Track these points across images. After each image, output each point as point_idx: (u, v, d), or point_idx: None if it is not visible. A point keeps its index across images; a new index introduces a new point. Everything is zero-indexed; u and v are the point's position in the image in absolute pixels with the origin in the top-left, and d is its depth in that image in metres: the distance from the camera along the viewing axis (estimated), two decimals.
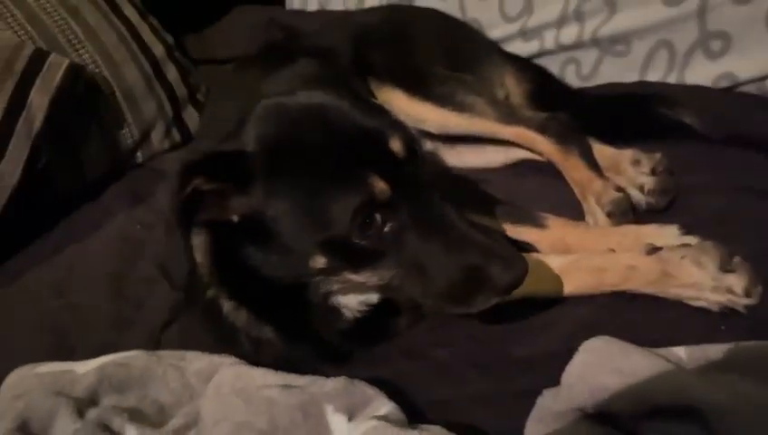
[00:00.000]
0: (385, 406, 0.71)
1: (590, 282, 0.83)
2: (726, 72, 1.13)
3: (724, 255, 0.78)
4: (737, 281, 0.76)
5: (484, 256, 0.70)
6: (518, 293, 0.79)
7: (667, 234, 0.87)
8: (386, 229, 0.70)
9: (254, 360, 0.80)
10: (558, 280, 0.85)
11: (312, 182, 0.70)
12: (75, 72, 1.30)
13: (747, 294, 0.75)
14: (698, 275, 0.77)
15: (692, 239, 0.84)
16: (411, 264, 0.72)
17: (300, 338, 0.82)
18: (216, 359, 0.83)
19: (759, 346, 0.68)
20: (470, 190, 1.06)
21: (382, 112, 0.81)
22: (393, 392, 0.74)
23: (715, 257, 0.77)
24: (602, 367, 0.65)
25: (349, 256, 0.72)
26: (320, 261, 0.72)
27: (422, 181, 0.73)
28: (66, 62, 1.28)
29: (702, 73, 1.17)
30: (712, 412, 0.58)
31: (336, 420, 0.70)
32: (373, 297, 0.81)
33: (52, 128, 1.25)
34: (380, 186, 0.69)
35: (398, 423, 0.68)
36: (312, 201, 0.70)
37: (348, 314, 0.82)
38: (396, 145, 0.72)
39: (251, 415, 0.73)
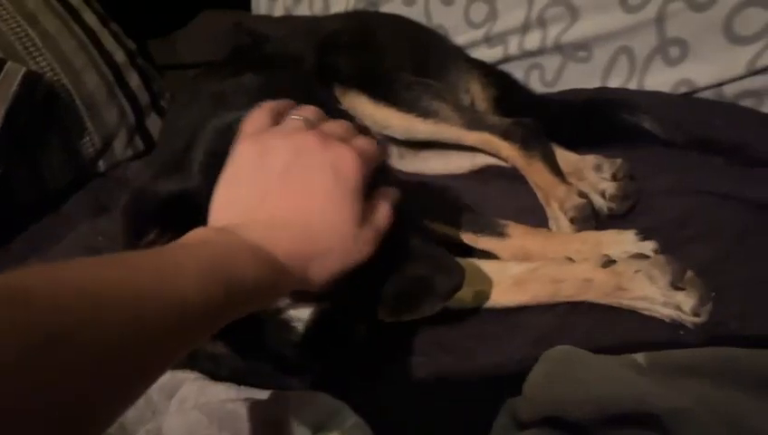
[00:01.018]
0: (350, 419, 0.71)
1: (548, 292, 0.85)
2: (685, 78, 1.15)
3: (676, 270, 0.79)
4: (686, 299, 0.77)
5: (429, 266, 0.74)
6: (474, 300, 0.87)
7: (624, 240, 0.89)
8: None
9: (215, 375, 0.79)
10: (512, 288, 0.86)
11: None
12: (33, 79, 1.27)
13: (695, 313, 0.77)
14: (649, 289, 0.79)
15: (649, 245, 0.86)
16: (366, 275, 0.73)
17: (253, 353, 0.81)
18: (179, 374, 0.82)
19: (717, 351, 0.69)
20: (433, 198, 1.07)
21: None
22: (358, 404, 0.74)
23: (666, 273, 0.79)
24: (563, 376, 0.65)
25: None
26: None
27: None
28: (23, 69, 1.25)
29: (661, 79, 1.18)
30: (670, 418, 0.58)
31: (301, 434, 0.69)
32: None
33: (10, 137, 1.21)
34: None
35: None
36: None
37: (299, 326, 0.81)
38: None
39: (215, 430, 0.72)
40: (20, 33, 1.36)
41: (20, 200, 1.30)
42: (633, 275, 0.80)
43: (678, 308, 0.77)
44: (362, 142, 0.62)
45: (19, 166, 1.29)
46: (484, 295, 0.88)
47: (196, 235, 0.51)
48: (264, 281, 0.50)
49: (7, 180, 1.25)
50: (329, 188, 0.55)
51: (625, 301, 0.81)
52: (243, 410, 0.74)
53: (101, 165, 1.44)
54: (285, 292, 0.58)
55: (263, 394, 0.76)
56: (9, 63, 1.25)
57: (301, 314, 0.79)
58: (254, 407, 0.74)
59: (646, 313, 0.80)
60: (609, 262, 0.83)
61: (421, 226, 0.97)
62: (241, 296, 0.47)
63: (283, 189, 0.55)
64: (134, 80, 1.53)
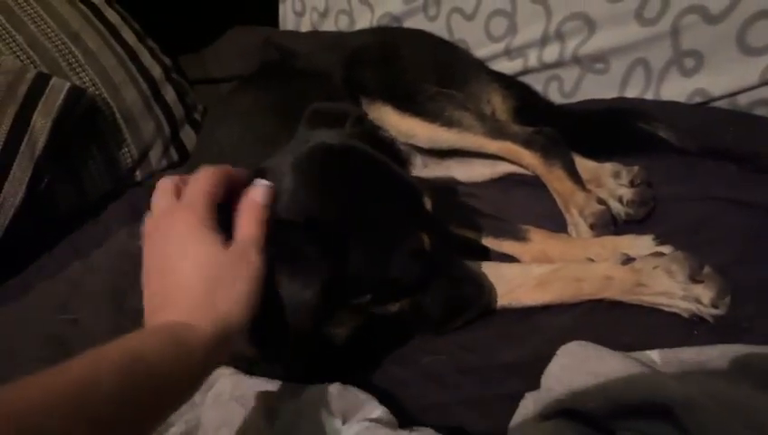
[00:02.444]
0: (377, 410, 0.75)
1: (569, 291, 0.87)
2: (700, 88, 1.17)
3: (694, 265, 0.81)
4: (705, 292, 0.79)
5: (471, 285, 0.86)
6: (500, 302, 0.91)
7: (642, 244, 0.91)
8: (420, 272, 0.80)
9: (249, 371, 0.83)
10: (536, 289, 0.89)
11: (377, 238, 0.76)
12: (76, 94, 1.34)
13: (714, 305, 0.79)
14: (668, 284, 0.81)
15: (666, 248, 0.88)
16: (420, 296, 0.83)
17: (291, 361, 0.85)
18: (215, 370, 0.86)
19: (728, 348, 0.71)
20: (456, 205, 1.10)
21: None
22: (384, 397, 0.78)
23: (684, 267, 0.81)
24: (579, 369, 0.68)
25: (388, 295, 0.81)
26: (366, 299, 0.79)
27: (439, 229, 0.84)
28: (67, 85, 1.33)
29: (677, 90, 1.20)
30: (683, 410, 0.61)
31: (330, 424, 0.73)
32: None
33: (54, 149, 1.29)
34: (426, 240, 0.79)
35: (389, 425, 0.72)
36: (378, 254, 0.76)
37: (338, 340, 0.86)
38: (428, 203, 0.82)
39: (249, 420, 0.77)
40: (64, 50, 1.45)
41: (63, 208, 1.37)
42: (652, 271, 0.82)
43: (698, 301, 0.79)
44: (190, 188, 0.67)
45: (63, 176, 1.37)
46: (505, 297, 0.92)
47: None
48: (169, 347, 0.55)
49: (52, 189, 1.32)
50: (175, 245, 0.62)
51: (645, 297, 0.83)
52: (276, 402, 0.78)
53: (138, 175, 1.51)
54: (210, 342, 0.59)
55: (295, 387, 0.80)
56: (54, 79, 1.33)
57: (340, 331, 0.85)
58: (287, 398, 0.79)
59: (665, 308, 0.82)
60: (628, 260, 0.85)
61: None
62: (156, 366, 0.53)
63: (153, 272, 0.64)
64: (169, 94, 1.60)
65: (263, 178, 0.73)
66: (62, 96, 1.30)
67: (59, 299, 1.15)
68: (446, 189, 1.24)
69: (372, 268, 0.75)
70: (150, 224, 0.67)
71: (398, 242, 0.77)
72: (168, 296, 0.60)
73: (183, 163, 1.57)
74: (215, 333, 0.58)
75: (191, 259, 0.61)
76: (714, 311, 0.79)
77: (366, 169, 0.79)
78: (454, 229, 1.04)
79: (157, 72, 1.59)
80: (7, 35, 1.40)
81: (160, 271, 0.63)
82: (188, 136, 1.61)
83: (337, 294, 0.75)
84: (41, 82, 1.31)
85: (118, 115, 1.47)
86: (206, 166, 0.70)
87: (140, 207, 1.40)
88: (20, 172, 1.23)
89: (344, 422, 0.73)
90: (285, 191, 0.74)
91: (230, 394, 0.81)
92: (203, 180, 0.67)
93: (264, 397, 0.79)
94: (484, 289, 0.88)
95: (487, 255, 1.02)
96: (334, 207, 0.74)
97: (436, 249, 0.80)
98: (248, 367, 0.86)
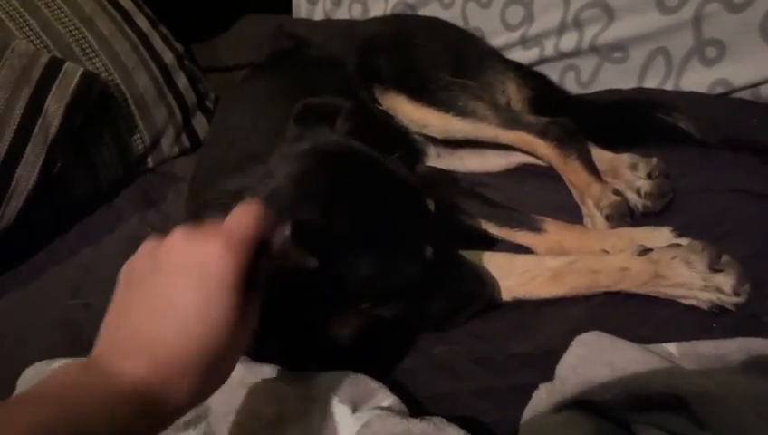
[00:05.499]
0: (388, 398, 0.74)
1: (585, 283, 0.86)
2: (721, 78, 1.16)
3: (713, 254, 0.80)
4: (725, 280, 0.78)
5: (474, 282, 0.86)
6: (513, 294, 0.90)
7: (659, 236, 0.89)
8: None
9: (258, 357, 0.83)
10: (551, 281, 0.88)
11: (382, 247, 0.74)
12: (89, 79, 1.34)
13: (735, 292, 0.77)
14: (688, 274, 0.79)
15: (684, 241, 0.86)
16: (421, 296, 0.82)
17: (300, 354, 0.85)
18: None
19: (746, 342, 0.70)
20: (470, 195, 1.09)
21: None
22: (396, 386, 0.77)
23: (703, 257, 0.79)
24: (594, 360, 0.67)
25: (391, 299, 0.80)
26: (369, 303, 0.78)
27: (441, 230, 0.83)
28: (81, 69, 1.32)
29: (698, 80, 1.19)
30: (700, 403, 0.60)
31: (341, 411, 0.73)
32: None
33: (67, 134, 1.29)
34: (430, 250, 0.78)
35: (400, 414, 0.71)
36: (382, 263, 0.74)
37: (344, 341, 0.85)
38: (431, 204, 0.81)
39: (260, 406, 0.76)
40: (77, 35, 1.44)
41: (75, 193, 1.37)
42: (670, 262, 0.81)
43: (719, 290, 0.78)
44: (232, 221, 0.55)
45: (75, 161, 1.37)
46: (519, 289, 0.90)
47: (56, 379, 0.50)
48: (124, 415, 0.48)
49: (65, 174, 1.32)
50: (190, 299, 0.51)
51: (663, 288, 0.81)
52: (287, 388, 0.78)
53: (150, 161, 1.51)
54: (167, 415, 0.52)
55: (306, 374, 0.80)
56: (68, 64, 1.33)
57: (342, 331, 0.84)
58: (298, 385, 0.78)
59: (683, 300, 0.81)
60: (645, 251, 0.84)
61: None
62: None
63: (143, 308, 0.53)
64: (182, 81, 1.60)
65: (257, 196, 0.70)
66: (75, 81, 1.29)
67: (71, 284, 1.15)
68: (460, 180, 1.22)
69: (377, 276, 0.74)
70: (169, 245, 0.55)
71: (402, 250, 0.76)
72: (155, 345, 0.51)
73: (195, 150, 1.56)
74: (181, 410, 0.53)
75: (202, 326, 0.50)
76: (735, 299, 0.77)
77: (367, 176, 0.77)
78: (466, 220, 1.03)
79: (169, 58, 1.59)
80: (21, 20, 1.40)
81: (160, 312, 0.52)
82: (200, 123, 1.61)
83: (340, 299, 0.75)
84: (54, 67, 1.30)
85: (130, 101, 1.46)
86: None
87: (152, 194, 1.41)
88: (33, 156, 1.23)
89: (355, 411, 0.73)
90: (286, 208, 0.70)
91: (240, 381, 0.80)
92: (247, 216, 0.56)
93: (274, 384, 0.78)
94: (486, 286, 0.87)
95: (501, 246, 1.01)
96: (339, 221, 0.71)
97: (438, 253, 0.79)
98: (256, 354, 0.86)
